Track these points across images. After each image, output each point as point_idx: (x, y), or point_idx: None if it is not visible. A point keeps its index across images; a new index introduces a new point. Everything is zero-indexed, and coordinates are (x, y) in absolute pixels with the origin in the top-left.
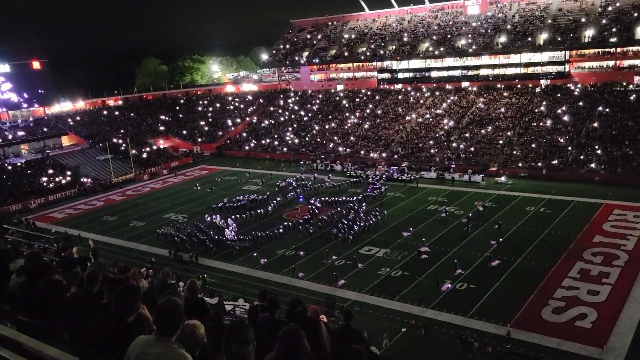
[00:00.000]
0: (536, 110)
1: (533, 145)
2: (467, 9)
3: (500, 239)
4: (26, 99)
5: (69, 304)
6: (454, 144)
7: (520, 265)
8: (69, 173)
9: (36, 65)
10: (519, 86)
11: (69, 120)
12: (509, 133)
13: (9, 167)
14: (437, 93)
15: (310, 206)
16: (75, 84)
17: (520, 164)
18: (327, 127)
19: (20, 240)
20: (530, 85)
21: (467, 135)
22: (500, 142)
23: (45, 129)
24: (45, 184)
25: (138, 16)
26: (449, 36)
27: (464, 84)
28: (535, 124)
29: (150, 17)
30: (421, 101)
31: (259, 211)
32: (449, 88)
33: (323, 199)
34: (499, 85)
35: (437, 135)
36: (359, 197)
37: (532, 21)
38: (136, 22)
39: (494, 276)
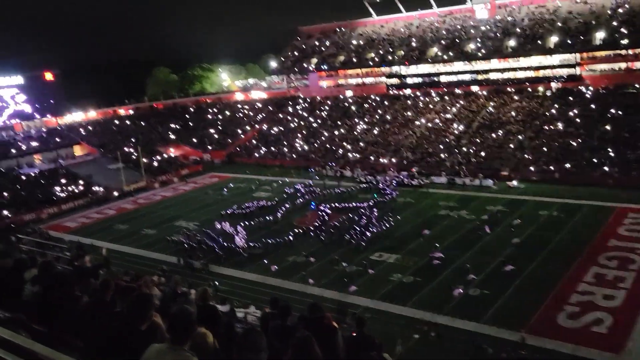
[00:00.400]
0: (547, 114)
1: (545, 149)
2: (476, 13)
3: (515, 243)
4: (39, 109)
5: (83, 313)
6: (464, 149)
7: (534, 270)
8: (81, 182)
9: (49, 76)
10: (529, 89)
11: (81, 130)
12: (520, 137)
13: (23, 177)
14: (446, 98)
15: (320, 212)
16: (87, 94)
17: (532, 168)
18: (336, 133)
19: (35, 250)
20: (541, 89)
21: (477, 139)
22: (511, 145)
23: (58, 139)
24: (58, 193)
25: (148, 27)
26: (457, 41)
27: (474, 88)
28: (546, 128)
29: (160, 27)
30: (430, 106)
31: (268, 218)
32: (459, 92)
33: (333, 205)
34: (509, 89)
35: (447, 139)
36: (370, 203)
37: (542, 24)
38: (146, 33)
39: (508, 281)
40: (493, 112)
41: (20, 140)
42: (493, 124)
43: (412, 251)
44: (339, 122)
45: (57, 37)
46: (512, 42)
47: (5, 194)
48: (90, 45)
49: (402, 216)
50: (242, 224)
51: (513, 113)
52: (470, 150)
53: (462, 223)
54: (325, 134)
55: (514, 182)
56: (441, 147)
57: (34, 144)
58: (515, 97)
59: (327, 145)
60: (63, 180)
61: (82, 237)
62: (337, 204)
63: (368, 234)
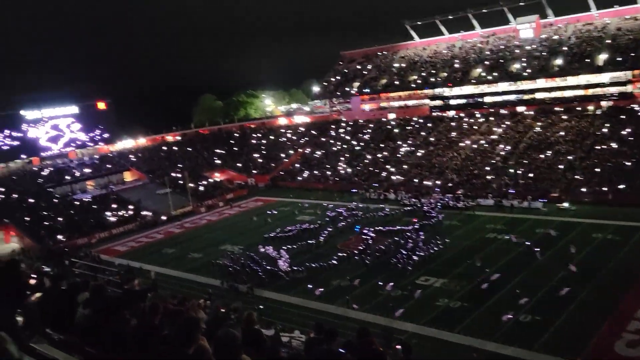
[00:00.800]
0: (598, 133)
1: (597, 169)
2: (520, 33)
3: (568, 267)
4: (92, 137)
5: (132, 336)
6: (511, 170)
7: (588, 295)
8: (131, 207)
9: (101, 105)
10: (578, 109)
11: (131, 156)
12: (570, 157)
13: (77, 203)
14: (491, 118)
15: (364, 236)
16: (137, 122)
17: (583, 189)
18: (379, 155)
19: (87, 273)
20: (590, 108)
21: (524, 160)
22: (561, 166)
23: (109, 166)
24: (109, 218)
25: (194, 56)
26: (502, 61)
27: (520, 109)
28: (598, 147)
29: (205, 56)
30: (475, 127)
31: (309, 242)
32: (504, 113)
33: (377, 228)
34: (556, 109)
35: (493, 161)
36: (416, 226)
37: (590, 42)
38: (193, 62)
39: (561, 307)
40: (541, 132)
41: (75, 167)
42: (541, 144)
43: (459, 275)
44: (382, 145)
45: (110, 68)
46: (559, 61)
47: (60, 219)
48: (140, 75)
49: (448, 239)
50: (285, 248)
51: (562, 133)
52: (518, 171)
53: (510, 246)
54: (368, 156)
55: (565, 204)
56: (487, 168)
57: (87, 170)
58: (564, 117)
59: (370, 168)
60: (114, 206)
61: (132, 261)
62: (381, 227)
63: (415, 257)
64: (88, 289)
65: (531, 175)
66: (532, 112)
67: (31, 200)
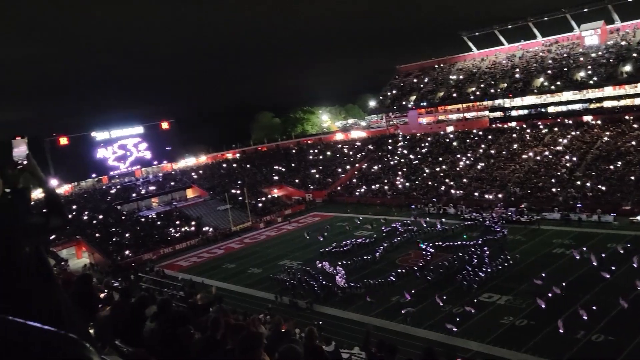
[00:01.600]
0: None
1: None
2: (585, 40)
3: (638, 284)
4: (156, 156)
5: (196, 350)
6: (579, 182)
7: None
8: (193, 223)
9: (165, 125)
10: None
11: (193, 174)
12: None
13: (142, 219)
14: (555, 129)
15: (423, 252)
16: (198, 141)
17: None
18: (437, 169)
19: (152, 288)
20: None
21: (593, 172)
22: (632, 177)
23: (172, 183)
24: (172, 234)
25: (252, 75)
26: (565, 69)
27: (586, 118)
28: None
29: (263, 74)
30: (538, 138)
31: (366, 257)
32: (569, 123)
33: (436, 243)
34: (626, 117)
35: (558, 173)
36: (479, 241)
37: None
38: (250, 81)
39: (637, 326)
40: (610, 142)
41: (140, 185)
42: (610, 155)
43: (524, 292)
44: (440, 159)
45: (173, 90)
46: (627, 68)
47: (127, 234)
48: (201, 95)
49: (512, 255)
50: (341, 263)
51: (633, 143)
52: (586, 184)
53: (580, 262)
54: (427, 170)
55: (639, 217)
56: (552, 181)
57: (152, 188)
58: (635, 126)
59: (429, 182)
60: (177, 222)
61: (194, 276)
62: (440, 243)
63: (481, 274)
64: (155, 303)
65: (600, 187)
66: (599, 122)
67: (100, 217)
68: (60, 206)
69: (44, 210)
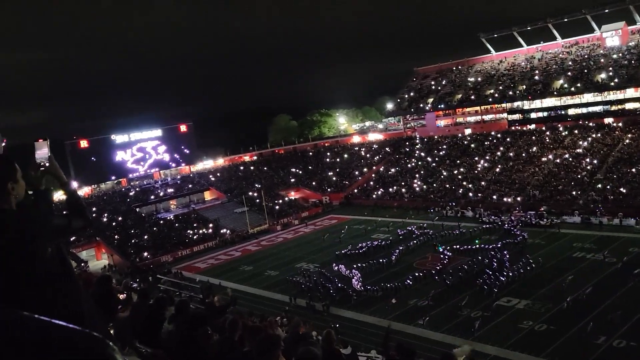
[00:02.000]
0: None
1: None
2: (606, 41)
3: None
4: (174, 159)
5: (214, 351)
6: (599, 185)
7: None
8: (210, 225)
9: (183, 128)
10: None
11: (211, 176)
12: None
13: (161, 222)
14: (575, 131)
15: (441, 255)
16: (216, 143)
17: None
18: (455, 172)
19: (170, 289)
20: None
21: (614, 175)
22: None
23: (190, 185)
24: (190, 236)
25: (269, 78)
26: (585, 71)
27: (607, 120)
28: None
29: (280, 78)
30: (558, 141)
31: (382, 260)
32: (590, 125)
33: (454, 247)
34: None
35: (578, 176)
36: (499, 245)
37: None
38: (268, 84)
39: None
40: (631, 144)
41: (159, 187)
42: (632, 157)
43: (544, 296)
44: (458, 161)
45: (191, 93)
46: None
47: (145, 236)
48: (219, 98)
49: (532, 258)
50: (357, 266)
51: None
52: (607, 187)
53: (601, 266)
54: (444, 173)
55: None
56: (572, 184)
57: (170, 190)
58: None
59: (447, 185)
60: (195, 224)
61: (212, 278)
62: (457, 246)
63: (502, 278)
64: (173, 305)
65: (622, 190)
66: (620, 124)
67: (120, 219)
68: (82, 208)
69: (66, 212)
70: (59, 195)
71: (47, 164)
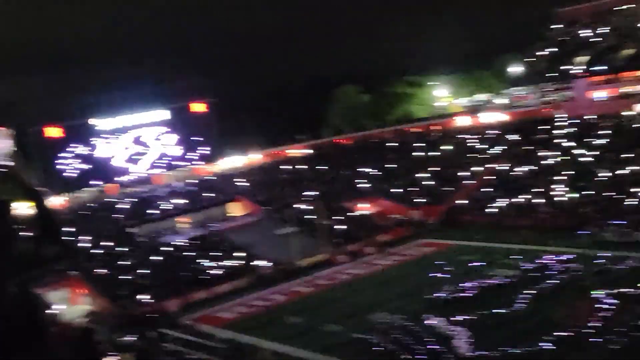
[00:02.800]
0: None
1: None
2: None
3: None
4: (187, 154)
5: None
6: None
7: None
8: (240, 255)
9: (200, 108)
10: None
11: (240, 180)
12: None
13: (165, 249)
14: None
15: (599, 304)
16: (248, 131)
17: None
18: (622, 172)
19: (181, 350)
20: None
21: None
22: None
23: (209, 194)
24: (209, 270)
25: (329, 39)
26: None
27: None
28: None
29: (345, 37)
30: None
31: (502, 310)
32: None
33: (621, 290)
34: None
35: None
36: None
37: None
38: (326, 46)
39: None
40: None
41: (164, 196)
42: None
43: None
44: (627, 155)
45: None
46: None
47: (144, 271)
48: (255, 66)
49: None
50: (463, 319)
51: None
52: None
53: None
54: (605, 173)
55: None
56: None
57: (179, 201)
58: None
59: (608, 193)
60: (216, 253)
61: (241, 334)
62: (629, 290)
63: None
64: None
65: None
66: None
67: (107, 244)
68: (55, 228)
69: (34, 234)
70: (24, 210)
71: (10, 165)
